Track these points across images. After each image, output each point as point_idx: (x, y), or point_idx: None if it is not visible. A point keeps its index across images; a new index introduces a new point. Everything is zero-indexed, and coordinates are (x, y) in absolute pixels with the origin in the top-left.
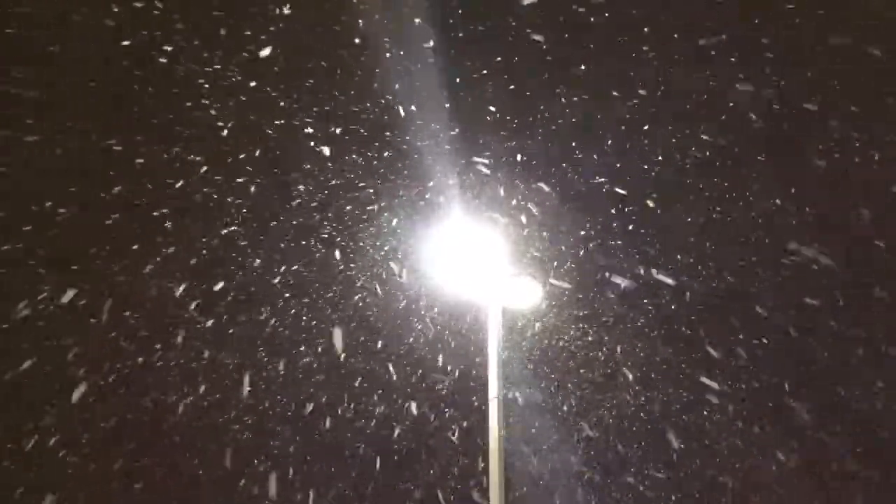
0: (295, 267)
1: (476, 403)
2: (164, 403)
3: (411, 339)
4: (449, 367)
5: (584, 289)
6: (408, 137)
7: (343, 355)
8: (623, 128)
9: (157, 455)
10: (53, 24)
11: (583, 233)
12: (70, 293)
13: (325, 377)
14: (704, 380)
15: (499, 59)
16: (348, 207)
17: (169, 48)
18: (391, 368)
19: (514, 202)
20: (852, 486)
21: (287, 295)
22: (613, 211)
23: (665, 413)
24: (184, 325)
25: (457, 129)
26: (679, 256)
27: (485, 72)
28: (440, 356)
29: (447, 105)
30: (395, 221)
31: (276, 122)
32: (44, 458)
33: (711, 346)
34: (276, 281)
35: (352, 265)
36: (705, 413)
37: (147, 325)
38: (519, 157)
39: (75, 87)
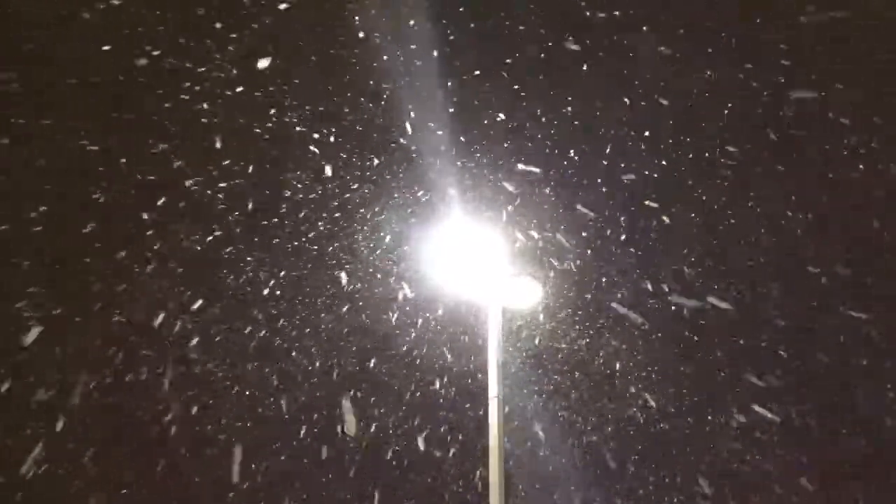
0: (288, 270)
1: (476, 403)
2: (154, 410)
3: (411, 340)
4: (449, 368)
5: (584, 289)
6: (406, 137)
7: (342, 357)
8: (623, 128)
9: (150, 464)
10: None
11: (583, 233)
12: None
13: (322, 380)
14: (704, 380)
15: (499, 59)
16: (345, 208)
17: (158, 47)
18: (391, 369)
19: (513, 202)
20: (853, 486)
21: (280, 297)
22: (613, 211)
23: (664, 413)
24: (174, 327)
25: (455, 130)
26: (679, 256)
27: (484, 72)
28: (440, 356)
29: (446, 105)
30: (393, 222)
31: (268, 124)
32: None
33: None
34: (270, 283)
35: (348, 266)
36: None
37: (136, 330)
38: (518, 157)
39: (65, 87)
